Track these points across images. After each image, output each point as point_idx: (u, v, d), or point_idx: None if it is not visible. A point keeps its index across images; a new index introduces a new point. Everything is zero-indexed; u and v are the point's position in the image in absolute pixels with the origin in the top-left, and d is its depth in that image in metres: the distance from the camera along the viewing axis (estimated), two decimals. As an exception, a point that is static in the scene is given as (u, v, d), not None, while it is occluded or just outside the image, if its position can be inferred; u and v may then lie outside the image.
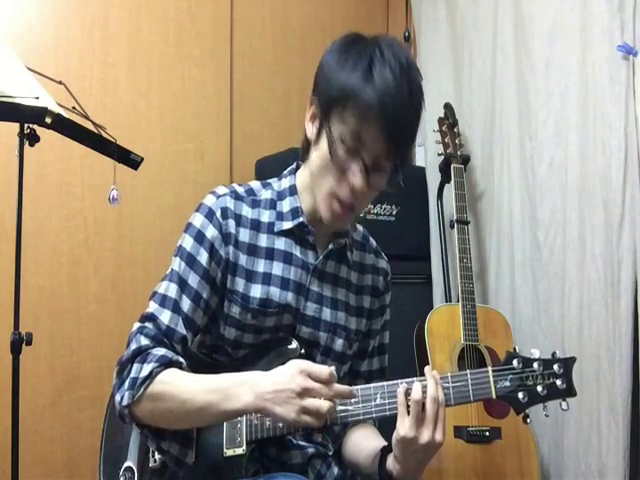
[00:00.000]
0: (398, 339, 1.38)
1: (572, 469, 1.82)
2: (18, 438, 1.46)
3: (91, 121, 1.59)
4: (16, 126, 1.48)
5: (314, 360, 1.21)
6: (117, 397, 1.10)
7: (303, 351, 1.17)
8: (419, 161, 2.62)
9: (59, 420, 2.03)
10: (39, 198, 2.02)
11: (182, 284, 1.16)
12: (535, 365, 1.08)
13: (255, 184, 1.27)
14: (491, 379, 1.07)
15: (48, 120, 1.42)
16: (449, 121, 2.22)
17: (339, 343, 1.23)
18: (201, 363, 1.22)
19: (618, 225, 1.73)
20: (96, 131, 1.57)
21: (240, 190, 1.23)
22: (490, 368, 1.08)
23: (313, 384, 0.99)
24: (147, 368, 1.08)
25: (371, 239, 1.36)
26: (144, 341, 1.12)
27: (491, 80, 2.19)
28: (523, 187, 2.05)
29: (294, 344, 1.17)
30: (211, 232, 1.17)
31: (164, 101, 2.25)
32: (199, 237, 1.18)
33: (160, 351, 1.10)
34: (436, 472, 1.74)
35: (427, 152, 2.40)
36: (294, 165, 1.27)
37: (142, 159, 1.64)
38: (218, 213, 1.18)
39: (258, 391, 1.01)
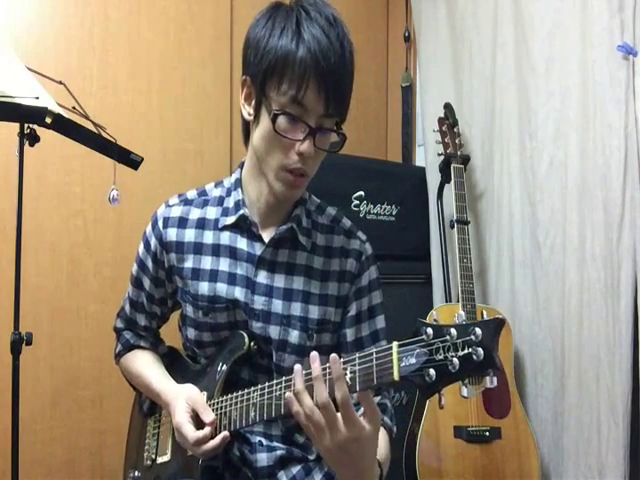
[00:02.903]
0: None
1: (572, 469, 1.82)
2: (18, 438, 1.46)
3: (91, 121, 1.59)
4: (16, 126, 1.48)
5: (270, 356, 1.17)
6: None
7: (253, 343, 1.15)
8: (419, 161, 2.63)
9: (59, 420, 2.03)
10: (39, 198, 2.02)
11: (138, 286, 1.30)
12: (448, 333, 0.80)
13: (209, 185, 1.29)
14: (395, 357, 0.84)
15: (48, 120, 1.41)
16: (449, 121, 2.22)
17: (294, 335, 1.16)
18: (181, 365, 1.31)
19: (618, 225, 1.72)
20: (96, 131, 1.57)
21: (191, 195, 1.26)
22: (396, 343, 0.86)
23: (183, 440, 1.11)
24: (117, 348, 1.37)
25: (344, 220, 1.27)
26: (119, 324, 1.38)
27: (491, 80, 2.19)
28: (523, 187, 2.05)
29: (245, 339, 1.15)
30: (153, 242, 1.24)
31: (164, 101, 2.25)
32: (146, 245, 1.26)
33: (127, 334, 1.35)
34: (436, 472, 1.74)
35: (427, 152, 2.40)
36: (244, 159, 1.24)
37: (142, 159, 1.64)
38: (160, 222, 1.23)
39: (168, 407, 1.19)
